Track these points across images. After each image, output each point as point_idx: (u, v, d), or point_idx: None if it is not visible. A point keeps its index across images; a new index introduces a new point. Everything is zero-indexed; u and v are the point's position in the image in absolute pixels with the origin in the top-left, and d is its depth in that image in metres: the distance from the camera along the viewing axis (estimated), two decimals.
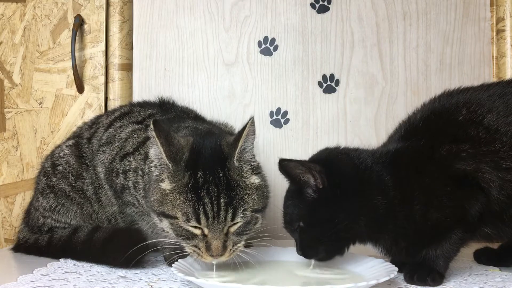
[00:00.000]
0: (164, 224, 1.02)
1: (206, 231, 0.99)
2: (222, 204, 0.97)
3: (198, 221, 0.98)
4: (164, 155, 1.00)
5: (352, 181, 1.03)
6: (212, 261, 1.01)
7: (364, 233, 1.05)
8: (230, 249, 1.00)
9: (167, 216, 1.00)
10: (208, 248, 0.98)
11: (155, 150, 1.02)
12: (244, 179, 1.02)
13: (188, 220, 0.98)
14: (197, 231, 0.99)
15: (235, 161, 1.02)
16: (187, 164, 1.00)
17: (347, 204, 1.02)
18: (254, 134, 1.03)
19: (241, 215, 0.99)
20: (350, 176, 1.03)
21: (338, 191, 1.01)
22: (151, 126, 1.00)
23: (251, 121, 1.01)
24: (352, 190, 1.02)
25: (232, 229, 1.00)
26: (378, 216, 1.02)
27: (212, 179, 0.99)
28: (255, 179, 1.04)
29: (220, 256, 0.99)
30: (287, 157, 1.04)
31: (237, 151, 1.01)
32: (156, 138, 0.99)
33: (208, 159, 1.01)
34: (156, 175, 1.03)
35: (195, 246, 1.00)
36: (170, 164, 1.00)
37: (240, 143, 1.01)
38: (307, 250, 1.06)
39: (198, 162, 1.00)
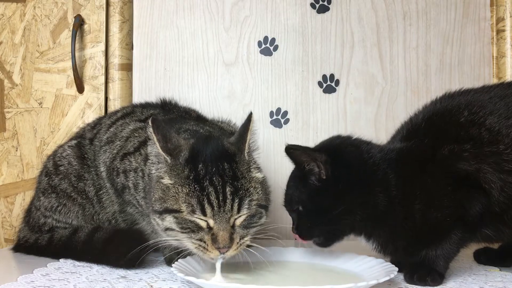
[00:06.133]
0: (168, 220, 0.99)
1: (211, 222, 0.96)
2: (228, 193, 0.96)
3: (203, 212, 0.95)
4: (160, 150, 1.00)
5: (357, 174, 1.03)
6: (218, 257, 0.98)
7: (359, 227, 1.06)
8: (237, 242, 0.98)
9: (171, 211, 0.98)
10: (214, 240, 0.95)
11: (152, 147, 1.02)
12: (250, 173, 1.02)
13: (193, 212, 0.96)
14: (203, 223, 0.97)
15: (245, 155, 1.02)
16: (187, 160, 1.00)
17: (348, 197, 1.02)
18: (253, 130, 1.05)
19: (246, 206, 0.98)
20: (356, 170, 1.04)
21: (340, 183, 1.02)
22: (149, 122, 1.00)
23: (252, 116, 1.03)
24: (356, 184, 1.02)
25: (238, 222, 0.98)
26: (378, 212, 1.03)
27: (216, 170, 0.98)
28: (259, 174, 1.05)
29: (227, 249, 0.96)
30: (287, 158, 1.05)
31: (247, 145, 1.02)
32: (153, 134, 1.00)
33: (210, 156, 1.00)
34: (156, 173, 1.03)
35: (200, 239, 0.97)
36: (168, 158, 1.00)
37: (249, 136, 1.02)
38: (303, 231, 1.07)
39: (198, 159, 1.00)
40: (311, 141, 1.63)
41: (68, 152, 1.32)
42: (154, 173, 1.04)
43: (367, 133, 1.62)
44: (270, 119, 1.64)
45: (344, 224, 1.05)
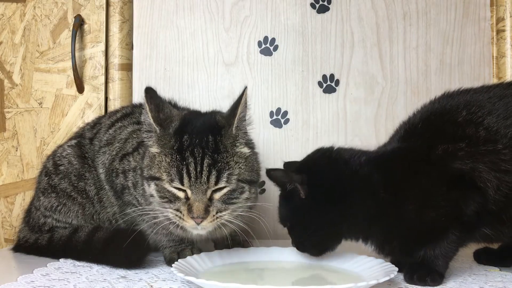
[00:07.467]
0: (151, 187, 1.04)
1: (189, 193, 0.99)
2: (205, 165, 0.99)
3: (181, 182, 0.99)
4: (152, 120, 1.04)
5: (334, 187, 1.05)
6: (196, 227, 1.01)
7: (352, 233, 1.09)
8: (214, 215, 1.00)
9: (154, 178, 1.03)
10: (189, 210, 0.99)
11: (145, 116, 1.06)
12: (235, 147, 1.04)
13: (171, 180, 1.00)
14: (181, 194, 1.00)
15: (233, 129, 1.03)
16: (176, 131, 1.03)
17: (330, 210, 1.05)
18: (247, 105, 1.06)
19: (225, 179, 1.00)
20: (332, 183, 1.06)
21: (320, 198, 1.05)
22: (144, 93, 1.05)
23: (246, 90, 1.04)
24: (335, 196, 1.05)
25: (217, 196, 1.00)
26: (367, 217, 1.05)
27: (199, 142, 1.01)
28: (245, 150, 1.06)
29: (202, 219, 0.99)
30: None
31: (236, 119, 1.03)
32: (146, 104, 1.04)
33: (198, 127, 1.04)
34: (147, 141, 1.07)
35: (177, 209, 1.01)
36: (157, 128, 1.04)
37: (239, 110, 1.03)
38: (298, 245, 1.12)
39: (186, 129, 1.03)
40: (311, 141, 1.64)
41: (68, 151, 1.32)
42: (146, 141, 1.08)
43: (367, 133, 1.63)
44: (270, 119, 1.64)
45: (333, 235, 1.09)
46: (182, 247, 1.18)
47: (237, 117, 1.03)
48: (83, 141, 1.34)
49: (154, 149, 1.04)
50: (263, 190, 1.55)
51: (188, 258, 1.08)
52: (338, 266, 1.12)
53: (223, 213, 1.01)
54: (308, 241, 1.09)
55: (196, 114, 1.12)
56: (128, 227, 1.26)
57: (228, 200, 1.02)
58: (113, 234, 1.18)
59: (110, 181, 1.25)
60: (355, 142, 1.61)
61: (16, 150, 1.64)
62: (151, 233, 1.19)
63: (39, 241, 1.27)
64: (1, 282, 0.96)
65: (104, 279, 1.02)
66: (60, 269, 1.10)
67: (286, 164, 1.18)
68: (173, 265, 1.00)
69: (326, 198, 1.05)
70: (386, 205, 1.03)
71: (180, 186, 1.00)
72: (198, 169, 0.98)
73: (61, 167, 1.30)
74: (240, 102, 1.03)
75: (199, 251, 1.17)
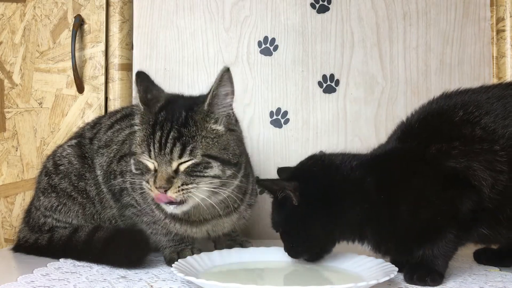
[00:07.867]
0: (131, 163, 1.09)
1: (156, 165, 1.02)
2: (170, 138, 1.01)
3: (149, 154, 1.02)
4: (139, 100, 1.09)
5: (325, 194, 1.06)
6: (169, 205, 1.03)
7: (345, 237, 1.09)
8: (179, 186, 1.00)
9: (133, 153, 1.07)
10: (155, 180, 1.01)
11: (135, 98, 1.10)
12: (205, 123, 1.04)
13: (142, 153, 1.03)
14: (151, 165, 1.03)
15: (205, 105, 1.05)
16: (158, 109, 1.07)
17: (323, 216, 1.05)
18: (231, 84, 1.05)
19: (188, 153, 1.01)
20: (326, 190, 1.06)
21: (312, 205, 1.06)
22: (135, 76, 1.10)
23: (224, 69, 1.04)
24: (328, 203, 1.05)
25: (182, 168, 1.01)
26: (360, 222, 1.05)
27: (170, 117, 1.04)
28: (218, 127, 1.06)
29: (164, 189, 1.00)
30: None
31: (210, 95, 1.04)
32: (135, 86, 1.09)
33: (178, 104, 1.07)
34: (136, 121, 1.11)
35: (147, 181, 1.03)
36: (142, 107, 1.08)
37: (213, 88, 1.04)
38: (290, 251, 1.12)
39: (167, 107, 1.07)
40: (311, 141, 1.64)
41: (68, 151, 1.32)
42: (136, 120, 1.11)
43: (367, 133, 1.63)
44: (270, 119, 1.64)
45: (326, 240, 1.09)
46: (182, 247, 1.18)
47: (211, 93, 1.04)
48: (83, 141, 1.34)
49: (137, 127, 1.09)
50: (263, 190, 1.55)
51: (188, 258, 1.08)
52: (338, 266, 1.12)
53: (189, 186, 1.01)
54: (301, 247, 1.10)
55: (183, 96, 1.15)
56: (128, 227, 1.26)
57: (192, 173, 1.02)
58: (113, 234, 1.18)
59: (108, 183, 1.25)
60: (355, 142, 1.61)
61: (16, 150, 1.64)
62: (150, 233, 1.19)
63: (39, 241, 1.27)
64: (1, 282, 0.97)
65: (104, 279, 1.02)
66: (60, 269, 1.10)
67: (280, 170, 1.19)
68: (173, 265, 1.00)
69: (318, 204, 1.06)
70: (380, 207, 1.03)
71: (148, 158, 1.03)
72: (163, 142, 1.01)
73: (61, 167, 1.30)
74: (215, 81, 1.04)
75: (199, 251, 1.17)
